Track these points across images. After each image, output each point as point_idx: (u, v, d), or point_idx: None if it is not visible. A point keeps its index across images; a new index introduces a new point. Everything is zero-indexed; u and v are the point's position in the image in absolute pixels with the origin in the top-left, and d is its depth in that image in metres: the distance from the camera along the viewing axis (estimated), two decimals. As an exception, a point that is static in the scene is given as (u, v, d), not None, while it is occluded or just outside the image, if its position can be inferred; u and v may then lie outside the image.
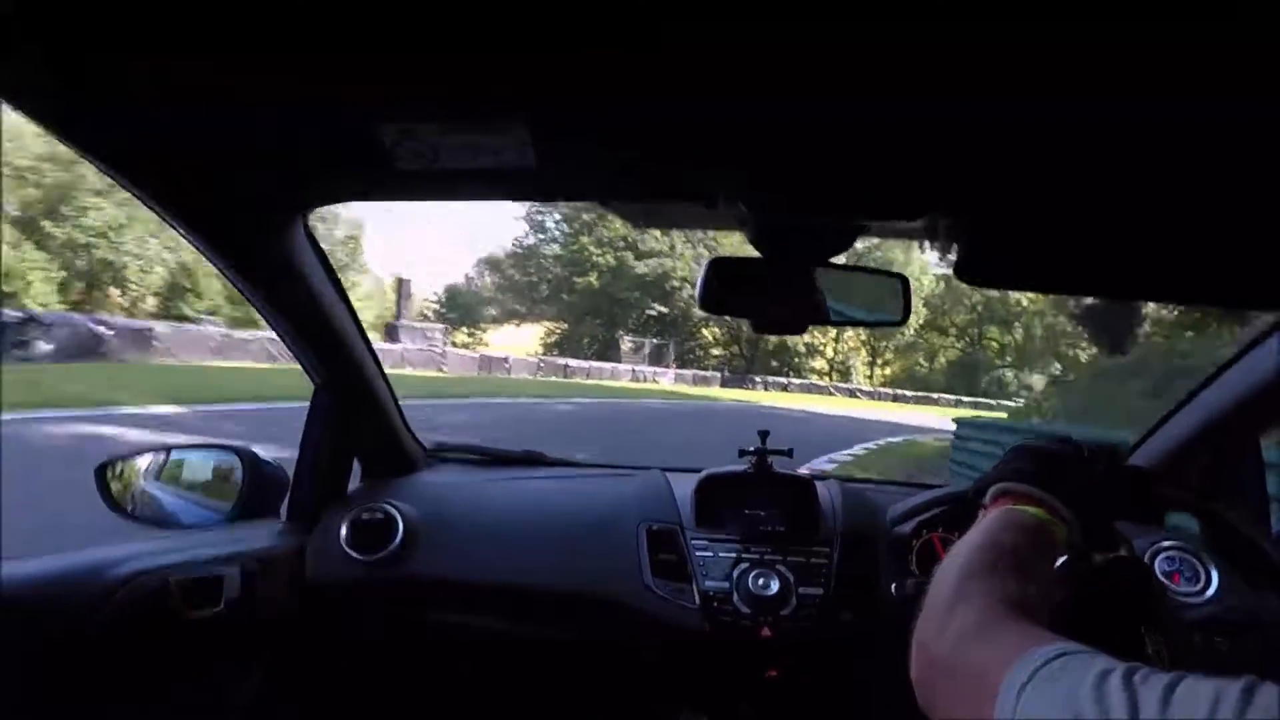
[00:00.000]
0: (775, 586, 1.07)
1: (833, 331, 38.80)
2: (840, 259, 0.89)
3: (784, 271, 0.91)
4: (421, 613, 1.18)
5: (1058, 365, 37.83)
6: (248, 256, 0.92)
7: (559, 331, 35.50)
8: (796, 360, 37.52)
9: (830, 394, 32.41)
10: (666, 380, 28.56)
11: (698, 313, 37.54)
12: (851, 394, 33.66)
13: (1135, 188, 0.66)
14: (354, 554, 1.11)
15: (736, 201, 0.77)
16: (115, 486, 1.02)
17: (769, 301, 0.93)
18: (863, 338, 39.65)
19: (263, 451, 1.14)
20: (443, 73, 0.56)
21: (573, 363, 25.68)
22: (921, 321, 37.12)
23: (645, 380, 27.09)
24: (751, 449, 1.22)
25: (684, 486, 1.21)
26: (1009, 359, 39.33)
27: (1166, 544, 1.10)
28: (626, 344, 32.38)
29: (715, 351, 37.76)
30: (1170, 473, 1.14)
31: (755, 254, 0.88)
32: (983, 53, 0.48)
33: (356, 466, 1.27)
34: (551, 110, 0.62)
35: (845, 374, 39.57)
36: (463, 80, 0.57)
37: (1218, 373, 1.10)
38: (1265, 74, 0.47)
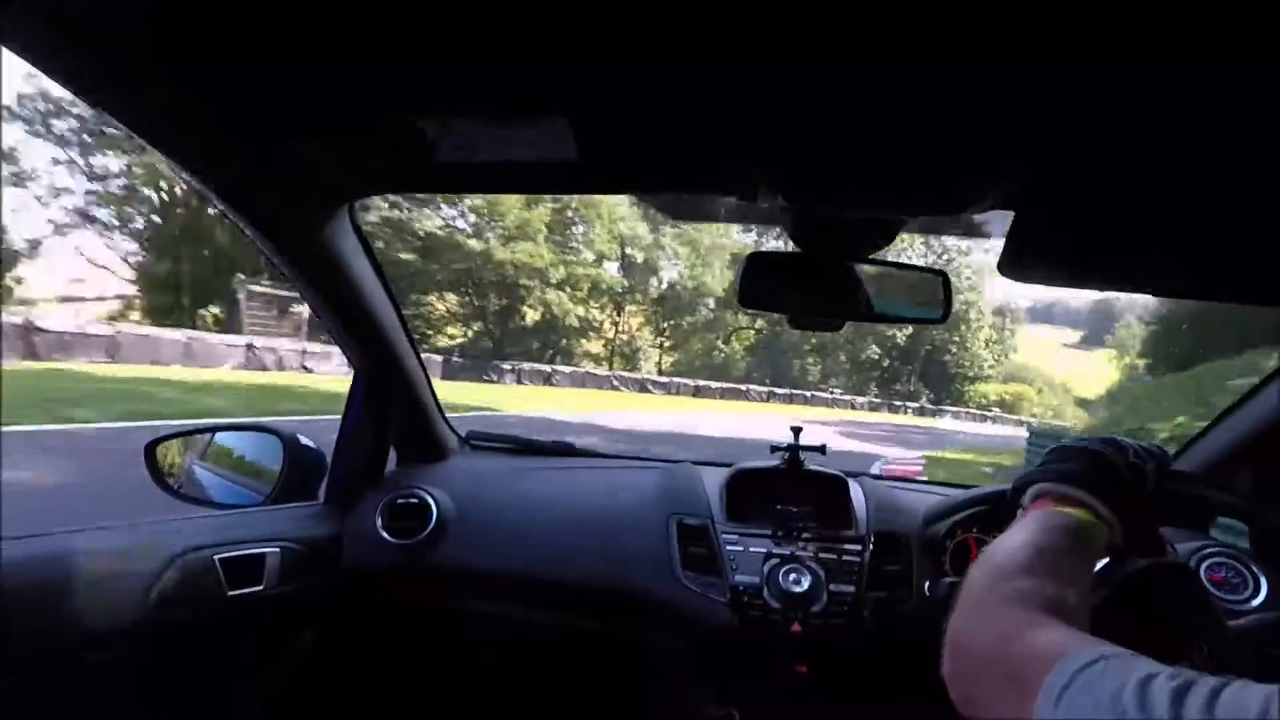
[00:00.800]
0: (806, 583, 1.35)
1: (611, 306, 37.61)
2: (880, 255, 1.17)
3: (822, 266, 1.18)
4: (453, 598, 1.54)
5: (875, 348, 42.14)
6: (295, 243, 1.22)
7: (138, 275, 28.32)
8: (566, 341, 35.97)
9: (615, 388, 31.12)
10: (326, 369, 20.01)
11: (411, 258, 29.61)
12: (642, 387, 32.40)
13: (1186, 184, 0.83)
14: (389, 538, 1.48)
15: (776, 194, 0.97)
16: (164, 464, 1.32)
17: (807, 296, 1.20)
18: (651, 311, 39.07)
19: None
20: (486, 67, 0.74)
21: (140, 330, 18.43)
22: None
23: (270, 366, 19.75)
24: (784, 445, 1.58)
25: (714, 480, 1.57)
26: (813, 341, 41.52)
27: (1212, 549, 1.35)
28: (251, 299, 22.53)
29: (452, 331, 34.03)
30: (1215, 479, 1.38)
31: (794, 249, 1.18)
32: (1025, 50, 0.64)
33: (393, 452, 1.64)
34: (593, 104, 0.81)
35: (631, 358, 38.95)
36: (505, 74, 0.75)
37: (1266, 381, 1.36)
38: None
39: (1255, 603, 1.29)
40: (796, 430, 1.63)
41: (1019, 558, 0.67)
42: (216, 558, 1.25)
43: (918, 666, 0.88)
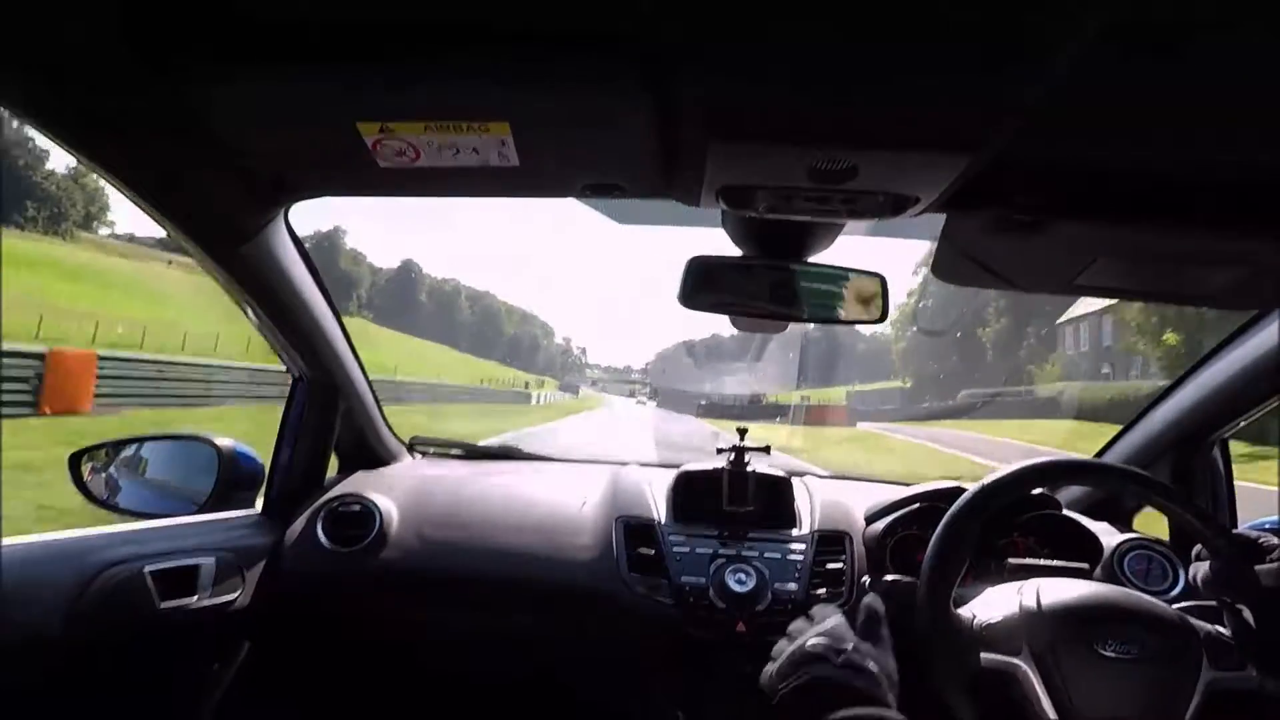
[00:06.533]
0: (751, 582, 1.35)
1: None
2: (820, 257, 1.17)
3: (763, 269, 1.17)
4: (398, 604, 1.48)
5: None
6: (229, 249, 1.15)
7: None
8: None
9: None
10: None
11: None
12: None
13: (1118, 187, 0.84)
14: (330, 545, 1.42)
15: (717, 198, 0.94)
16: (90, 475, 1.24)
17: (748, 299, 1.18)
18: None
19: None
20: (426, 73, 0.72)
21: None
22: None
23: None
24: (729, 446, 1.58)
25: (661, 482, 1.58)
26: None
27: (1135, 543, 1.39)
28: None
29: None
30: (1143, 469, 1.33)
31: (736, 252, 1.17)
32: (965, 64, 0.63)
33: (334, 459, 1.58)
34: (532, 108, 0.78)
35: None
36: (446, 80, 0.73)
37: (1189, 373, 1.40)
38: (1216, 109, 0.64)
39: (1173, 594, 1.31)
40: (742, 431, 1.63)
41: None
42: (147, 569, 1.17)
43: None
